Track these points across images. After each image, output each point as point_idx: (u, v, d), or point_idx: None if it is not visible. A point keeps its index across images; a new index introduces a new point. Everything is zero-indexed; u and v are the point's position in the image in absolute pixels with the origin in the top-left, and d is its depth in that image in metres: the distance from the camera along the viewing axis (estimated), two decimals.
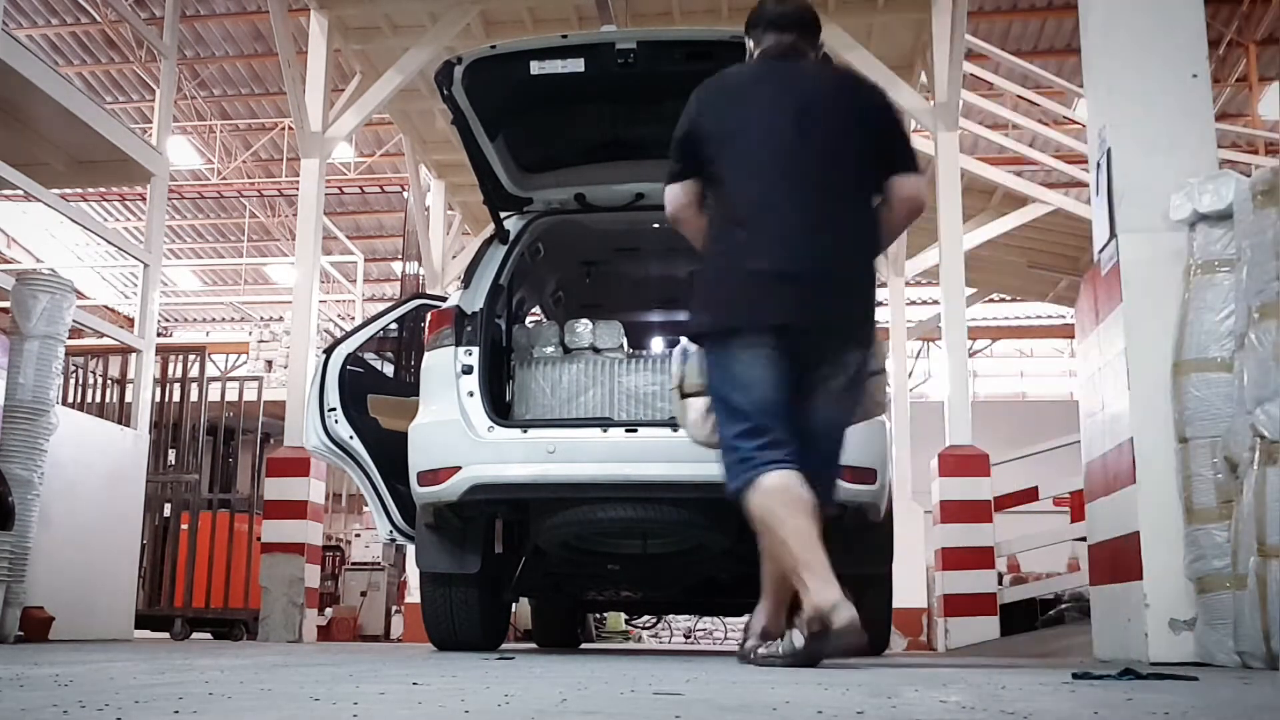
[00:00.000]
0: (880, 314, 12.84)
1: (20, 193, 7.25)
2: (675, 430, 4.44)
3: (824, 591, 2.93)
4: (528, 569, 5.12)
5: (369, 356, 5.73)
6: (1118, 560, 3.95)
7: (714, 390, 3.29)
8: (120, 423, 7.79)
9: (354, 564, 14.13)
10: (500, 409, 4.78)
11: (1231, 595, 3.45)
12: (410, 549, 5.65)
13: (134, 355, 7.84)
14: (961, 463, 7.64)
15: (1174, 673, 2.88)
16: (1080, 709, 1.88)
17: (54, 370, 5.86)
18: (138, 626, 8.06)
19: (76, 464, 6.52)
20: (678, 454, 4.33)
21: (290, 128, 16.91)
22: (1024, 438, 10.38)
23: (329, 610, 12.47)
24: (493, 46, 4.47)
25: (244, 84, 19.07)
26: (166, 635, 9.14)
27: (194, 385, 9.92)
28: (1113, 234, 3.95)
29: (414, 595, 10.07)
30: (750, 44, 3.53)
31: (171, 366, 9.98)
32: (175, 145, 19.11)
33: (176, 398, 9.83)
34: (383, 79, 8.86)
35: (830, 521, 4.46)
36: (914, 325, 14.46)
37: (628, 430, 4.47)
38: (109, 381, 9.05)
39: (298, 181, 9.13)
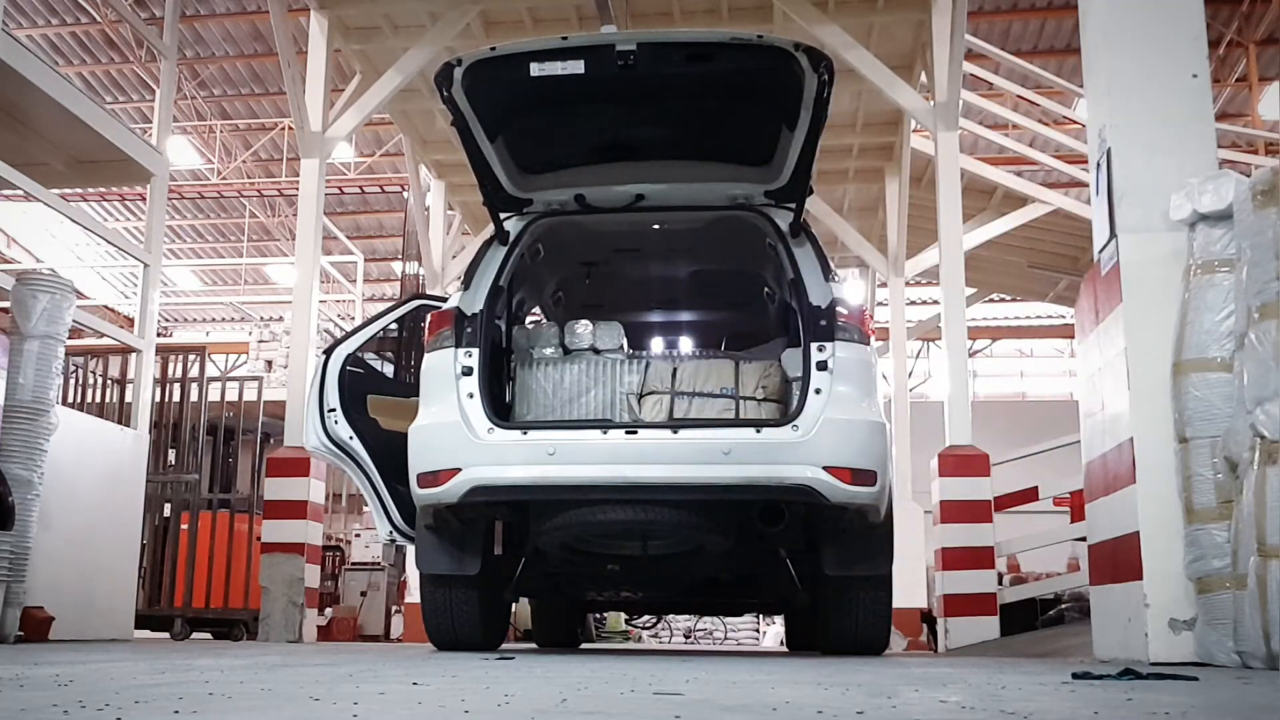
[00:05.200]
0: (880, 314, 12.95)
1: (20, 193, 7.25)
2: (675, 432, 4.44)
3: None
4: (528, 570, 5.12)
5: (369, 357, 5.73)
6: (1118, 560, 3.95)
7: None
8: (120, 423, 7.79)
9: (354, 564, 14.11)
10: (500, 410, 4.78)
11: (1231, 595, 3.44)
12: (410, 549, 5.64)
13: (134, 355, 7.84)
14: (961, 463, 7.62)
15: (1174, 673, 2.88)
16: (1080, 709, 1.88)
17: (54, 370, 5.86)
18: (138, 626, 8.06)
19: (76, 464, 6.52)
20: (677, 456, 4.34)
21: (290, 128, 16.91)
22: (1024, 438, 10.36)
23: (329, 610, 12.45)
24: (493, 48, 4.45)
25: (244, 84, 19.06)
26: (166, 635, 9.15)
27: (194, 385, 9.92)
28: (1113, 234, 3.95)
29: (414, 595, 10.06)
30: None
31: (171, 366, 9.98)
32: (175, 145, 19.10)
33: (176, 398, 9.84)
34: (383, 79, 8.85)
35: (828, 523, 4.49)
36: (914, 325, 14.46)
37: (628, 432, 4.46)
38: (109, 381, 9.05)
39: (298, 181, 9.12)
